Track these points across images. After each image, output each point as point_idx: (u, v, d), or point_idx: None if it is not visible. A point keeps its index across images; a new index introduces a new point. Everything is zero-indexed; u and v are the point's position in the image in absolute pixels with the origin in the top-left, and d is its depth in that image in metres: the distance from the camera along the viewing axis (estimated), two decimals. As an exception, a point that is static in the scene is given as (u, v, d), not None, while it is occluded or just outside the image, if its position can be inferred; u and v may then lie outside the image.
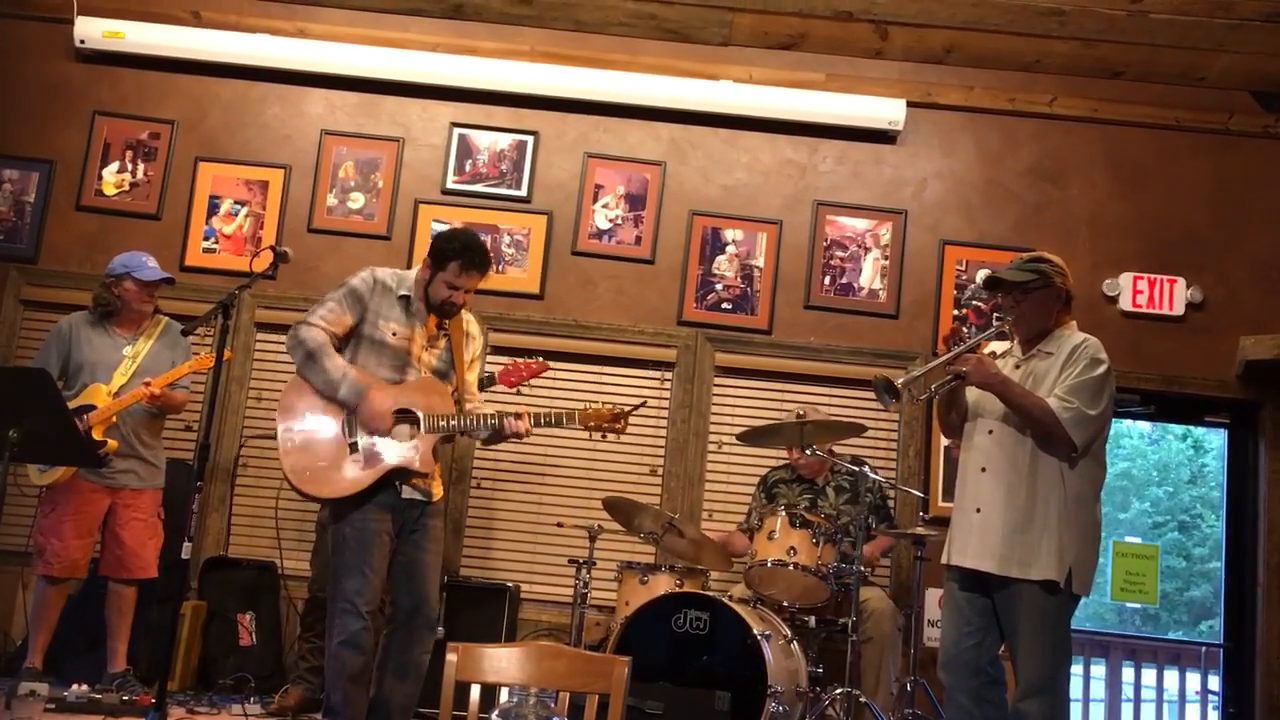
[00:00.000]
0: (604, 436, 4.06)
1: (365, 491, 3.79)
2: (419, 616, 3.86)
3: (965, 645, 3.58)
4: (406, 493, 3.86)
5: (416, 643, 3.85)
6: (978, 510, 3.58)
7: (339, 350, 3.90)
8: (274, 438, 3.91)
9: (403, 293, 3.93)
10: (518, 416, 3.88)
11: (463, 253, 3.86)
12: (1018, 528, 3.49)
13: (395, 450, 3.82)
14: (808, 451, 4.99)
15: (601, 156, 5.98)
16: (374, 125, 6.02)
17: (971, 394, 3.70)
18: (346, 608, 3.73)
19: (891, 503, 5.39)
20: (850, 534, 4.70)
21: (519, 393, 5.24)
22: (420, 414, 3.84)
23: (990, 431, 3.62)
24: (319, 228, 5.91)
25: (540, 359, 4.99)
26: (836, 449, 5.28)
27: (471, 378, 4.08)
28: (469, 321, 4.10)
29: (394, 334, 3.89)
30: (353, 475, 3.80)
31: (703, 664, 4.30)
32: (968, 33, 5.68)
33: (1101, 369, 3.52)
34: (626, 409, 4.02)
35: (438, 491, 3.98)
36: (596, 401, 4.06)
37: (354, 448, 3.82)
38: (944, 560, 3.70)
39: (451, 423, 3.86)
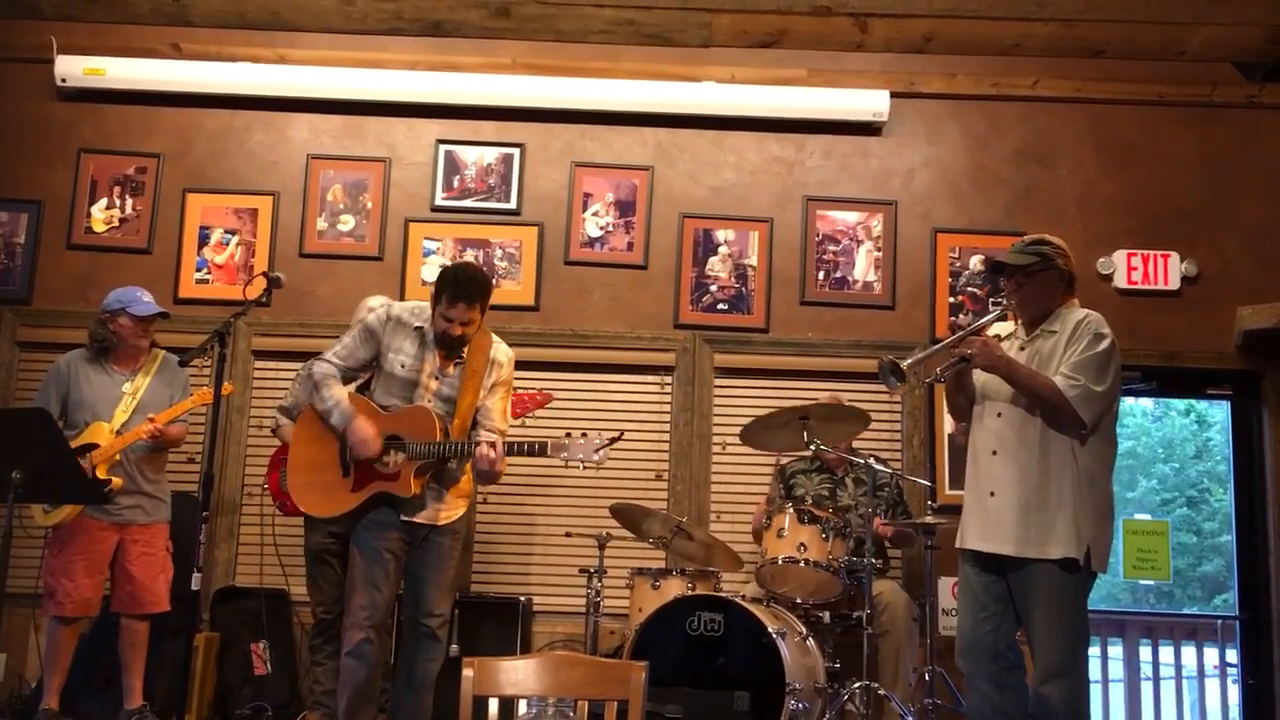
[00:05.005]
0: (582, 467, 4.02)
1: (359, 511, 4.00)
2: (420, 627, 4.03)
3: (982, 631, 3.58)
4: (404, 516, 4.00)
5: (421, 653, 4.02)
6: (991, 494, 3.57)
7: (366, 382, 4.21)
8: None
9: (418, 324, 4.06)
10: (491, 445, 3.88)
11: (448, 285, 3.98)
12: (1033, 508, 3.48)
13: (381, 475, 3.97)
14: (821, 448, 4.99)
15: (589, 165, 5.98)
16: (360, 147, 6.02)
17: (979, 377, 3.69)
18: (353, 622, 3.95)
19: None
20: (863, 525, 4.70)
21: (524, 424, 5.30)
22: (405, 440, 3.94)
23: (999, 414, 3.61)
24: (311, 252, 5.91)
25: (543, 391, 5.12)
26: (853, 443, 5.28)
27: (493, 403, 4.09)
28: (496, 349, 4.14)
29: (402, 365, 4.04)
30: (342, 497, 4.02)
31: (720, 665, 4.28)
32: (947, 20, 5.68)
33: (1105, 344, 3.51)
34: (606, 439, 3.95)
35: (445, 516, 4.07)
36: (591, 416, 4.10)
37: (346, 471, 4.01)
38: (958, 544, 3.69)
39: (432, 449, 3.92)
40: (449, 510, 4.06)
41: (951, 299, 5.81)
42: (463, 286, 3.95)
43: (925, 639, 4.79)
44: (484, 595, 5.50)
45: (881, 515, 5.04)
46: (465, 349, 4.07)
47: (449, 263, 5.45)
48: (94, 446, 4.57)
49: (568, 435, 3.98)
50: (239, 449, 5.73)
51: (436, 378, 4.03)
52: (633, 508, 5.02)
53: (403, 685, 4.04)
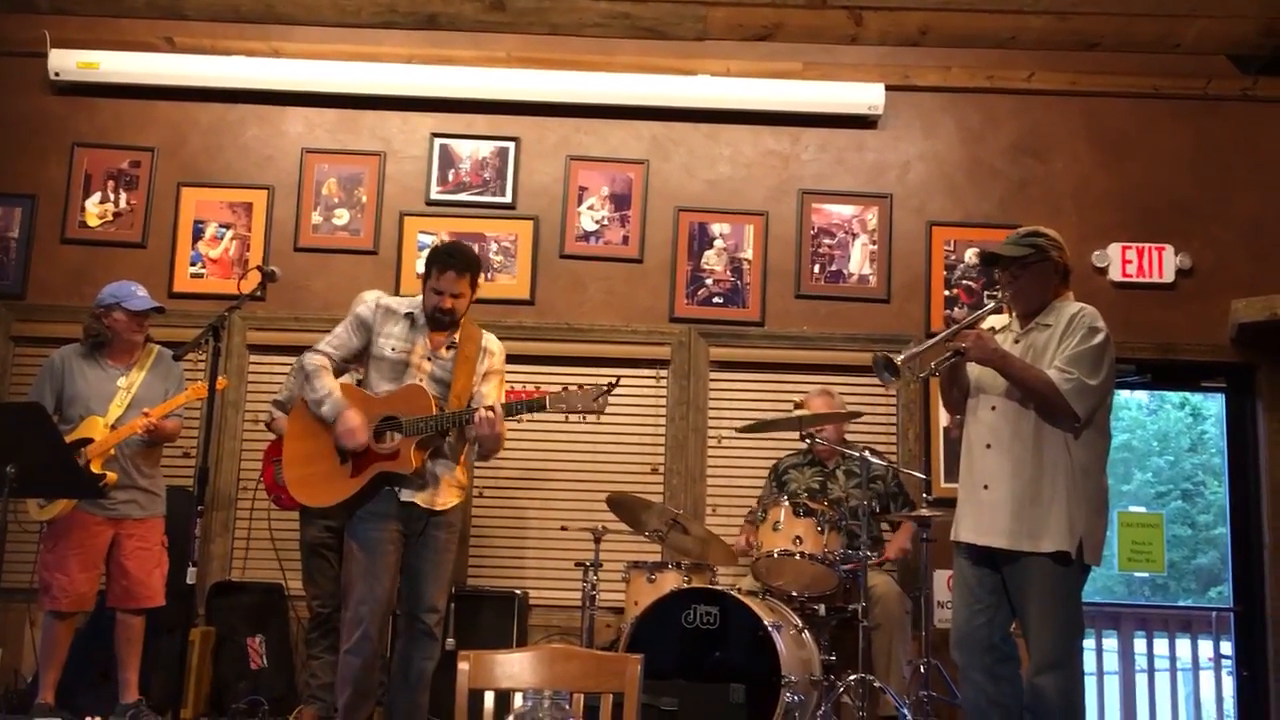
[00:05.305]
0: (584, 419, 4.09)
1: (359, 497, 3.96)
2: (417, 624, 4.01)
3: (976, 623, 3.58)
4: (405, 496, 3.97)
5: (417, 650, 4.00)
6: (985, 487, 3.58)
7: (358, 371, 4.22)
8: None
9: (406, 311, 4.11)
10: (489, 408, 3.92)
11: (437, 258, 4.08)
12: (1027, 501, 3.48)
13: (380, 456, 3.95)
14: (817, 441, 5.01)
15: (584, 158, 5.98)
16: (354, 140, 6.01)
17: (973, 370, 3.69)
18: (352, 618, 3.93)
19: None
20: (858, 517, 4.71)
21: (521, 421, 5.36)
22: (401, 418, 3.94)
23: (993, 407, 3.61)
24: (305, 246, 5.90)
25: (540, 389, 5.13)
26: (845, 436, 5.29)
27: (487, 389, 4.12)
28: (487, 339, 4.20)
29: (393, 349, 4.06)
30: (342, 484, 3.97)
31: (715, 658, 4.29)
32: (942, 13, 5.68)
33: (1100, 337, 3.51)
34: (603, 386, 4.01)
35: (442, 502, 4.04)
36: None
37: (344, 457, 3.97)
38: (953, 537, 3.70)
39: (429, 422, 3.93)
40: (445, 496, 4.04)
41: (946, 292, 5.81)
42: (451, 256, 4.06)
43: (920, 631, 4.80)
44: (480, 589, 5.50)
45: (877, 508, 5.06)
46: (457, 335, 4.09)
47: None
48: (89, 441, 4.56)
49: (565, 389, 4.00)
50: (234, 443, 5.73)
51: (429, 359, 4.05)
52: (629, 500, 5.02)
53: (399, 683, 4.02)
